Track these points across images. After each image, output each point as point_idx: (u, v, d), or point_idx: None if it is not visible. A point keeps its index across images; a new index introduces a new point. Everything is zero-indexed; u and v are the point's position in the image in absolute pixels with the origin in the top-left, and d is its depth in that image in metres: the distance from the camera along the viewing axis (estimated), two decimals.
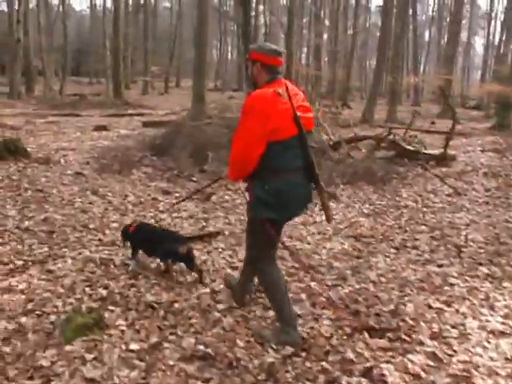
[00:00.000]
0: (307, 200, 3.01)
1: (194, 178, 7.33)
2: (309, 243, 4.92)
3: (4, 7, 39.36)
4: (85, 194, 6.33)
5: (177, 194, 6.59)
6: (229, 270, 4.05)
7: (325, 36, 39.77)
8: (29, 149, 8.90)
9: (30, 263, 4.11)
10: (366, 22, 51.16)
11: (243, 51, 21.63)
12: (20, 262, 4.11)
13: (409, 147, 9.51)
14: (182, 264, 3.88)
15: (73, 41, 40.72)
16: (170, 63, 40.90)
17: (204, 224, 5.35)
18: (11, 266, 4.04)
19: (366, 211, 6.32)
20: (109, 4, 37.51)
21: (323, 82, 41.51)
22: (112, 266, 4.05)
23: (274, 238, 2.96)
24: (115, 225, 5.16)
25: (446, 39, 46.60)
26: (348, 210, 6.35)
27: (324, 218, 3.14)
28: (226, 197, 6.62)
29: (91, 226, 5.13)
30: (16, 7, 23.85)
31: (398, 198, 7.06)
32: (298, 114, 2.78)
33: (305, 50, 46.99)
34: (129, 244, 4.14)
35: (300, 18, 36.12)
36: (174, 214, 5.65)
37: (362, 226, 5.64)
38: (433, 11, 53.35)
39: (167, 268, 3.96)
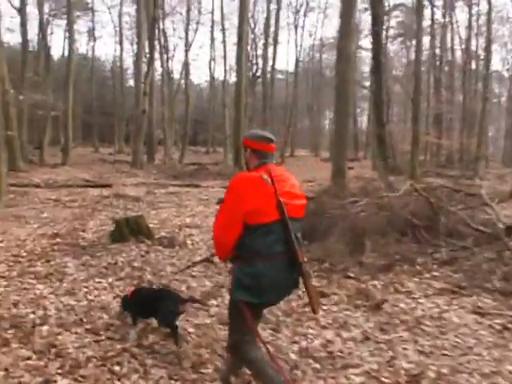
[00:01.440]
0: (289, 286, 2.91)
1: (351, 274, 5.73)
2: None
3: (131, 83, 42.38)
4: (220, 293, 5.00)
5: (335, 298, 5.03)
6: None
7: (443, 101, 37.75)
8: (151, 225, 8.00)
9: None
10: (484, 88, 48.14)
11: (374, 118, 20.39)
12: None
13: None
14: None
15: (191, 111, 42.11)
16: (287, 133, 40.78)
17: (391, 354, 3.71)
18: None
19: None
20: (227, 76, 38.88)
21: (442, 151, 39.06)
22: None
23: (249, 322, 2.77)
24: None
25: None
26: None
27: None
28: (402, 304, 4.87)
29: None
30: (143, 80, 24.75)
31: None
32: (282, 200, 2.74)
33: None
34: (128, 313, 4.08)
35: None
36: (345, 335, 4.07)
37: None
38: None
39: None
